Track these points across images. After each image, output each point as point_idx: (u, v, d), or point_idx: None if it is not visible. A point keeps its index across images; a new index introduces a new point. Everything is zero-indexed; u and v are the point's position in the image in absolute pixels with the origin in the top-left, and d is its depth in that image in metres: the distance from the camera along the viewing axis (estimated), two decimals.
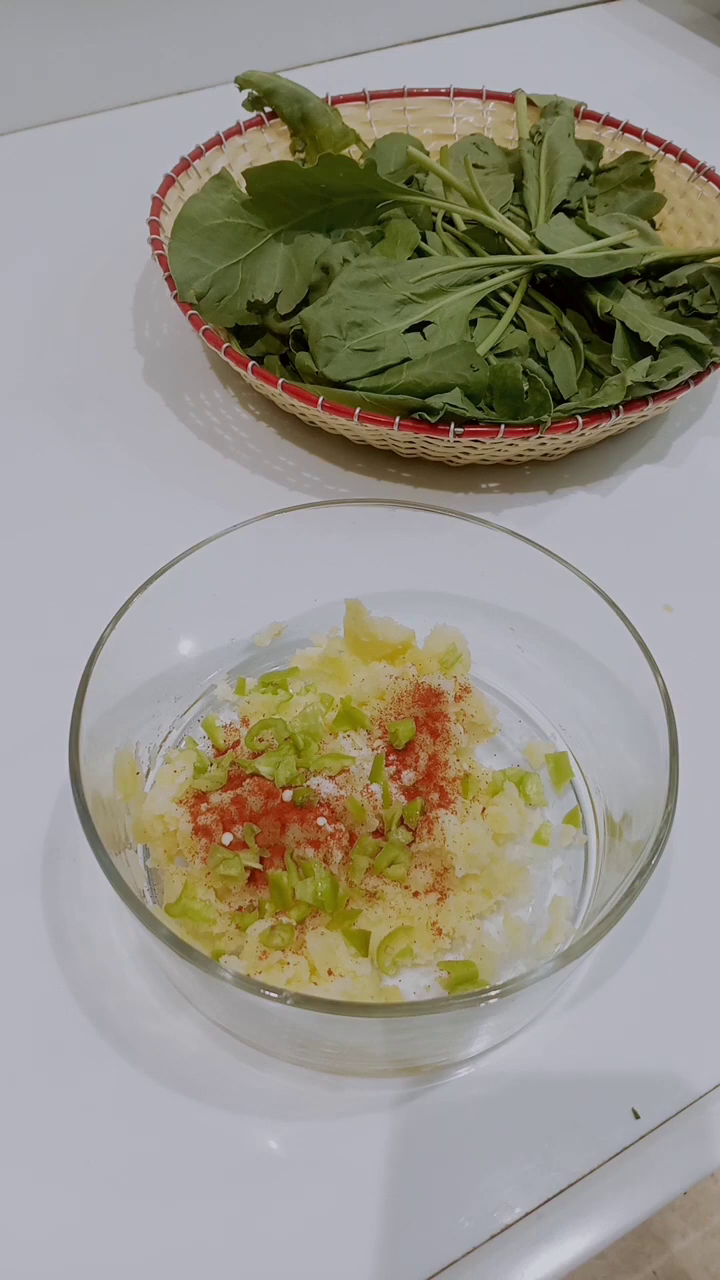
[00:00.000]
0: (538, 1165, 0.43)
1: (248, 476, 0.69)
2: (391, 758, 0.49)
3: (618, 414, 0.63)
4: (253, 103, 0.80)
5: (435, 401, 0.62)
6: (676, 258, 0.74)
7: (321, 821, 0.46)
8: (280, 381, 0.63)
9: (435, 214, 0.75)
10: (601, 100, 0.85)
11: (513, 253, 0.72)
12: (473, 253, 0.74)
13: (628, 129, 0.84)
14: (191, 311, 0.66)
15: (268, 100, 0.80)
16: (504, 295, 0.70)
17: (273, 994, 0.37)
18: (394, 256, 0.70)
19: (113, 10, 0.94)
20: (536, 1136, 0.44)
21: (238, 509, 0.53)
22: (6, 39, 0.92)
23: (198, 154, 0.77)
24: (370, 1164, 0.43)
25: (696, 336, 0.66)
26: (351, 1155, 0.43)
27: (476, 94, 0.86)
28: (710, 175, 0.79)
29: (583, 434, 0.63)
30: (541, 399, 0.63)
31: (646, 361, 0.65)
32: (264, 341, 0.71)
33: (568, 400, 0.66)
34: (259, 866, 0.46)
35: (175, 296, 0.67)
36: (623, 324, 0.68)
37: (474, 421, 0.62)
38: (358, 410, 0.61)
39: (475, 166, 0.80)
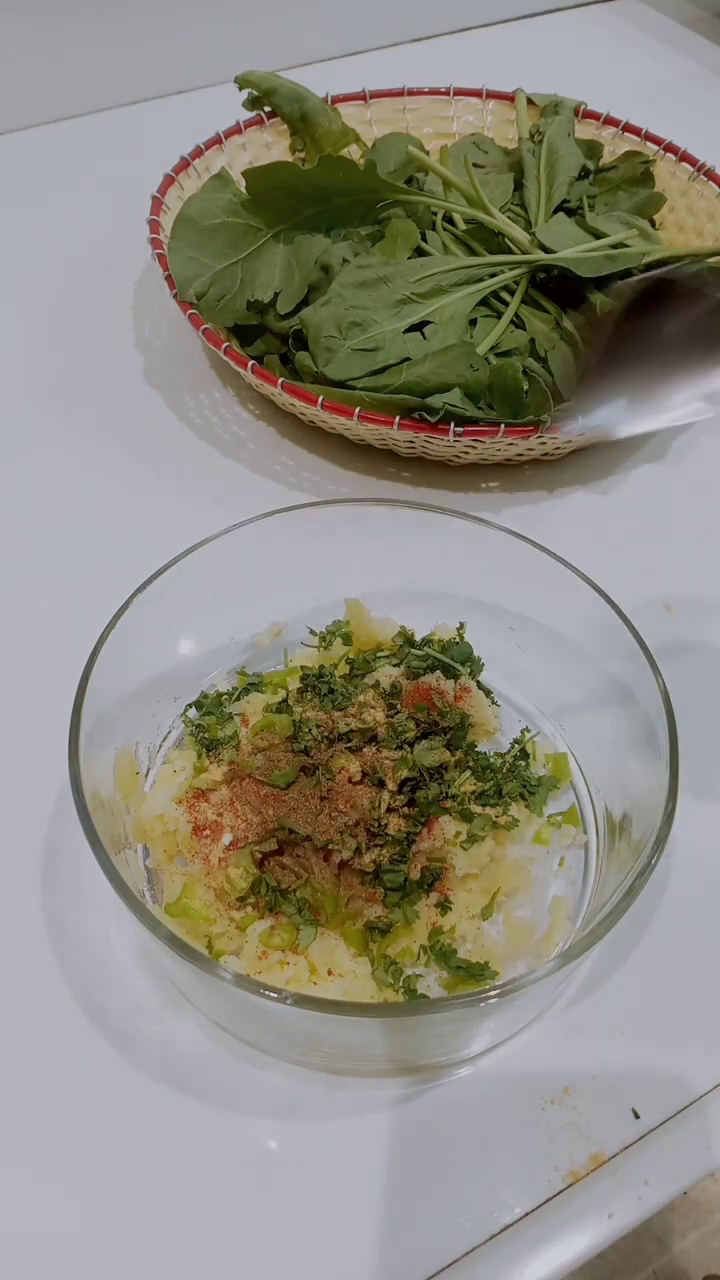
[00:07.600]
0: (538, 1165, 0.43)
1: (247, 476, 0.69)
2: None
3: None
4: (252, 102, 0.80)
5: (435, 401, 0.62)
6: (676, 257, 0.74)
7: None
8: (280, 381, 0.63)
9: (435, 213, 0.75)
10: (601, 100, 0.85)
11: (513, 252, 0.72)
12: (473, 252, 0.74)
13: (627, 128, 0.83)
14: (191, 311, 0.66)
15: (267, 100, 0.80)
16: (504, 295, 0.70)
17: (273, 994, 0.37)
18: (394, 256, 0.70)
19: (113, 10, 0.94)
20: (536, 1136, 0.44)
21: (238, 509, 0.53)
22: (8, 39, 0.92)
23: (197, 153, 0.77)
24: (370, 1164, 0.43)
25: None
26: (351, 1155, 0.43)
27: (476, 93, 0.86)
28: (710, 174, 0.79)
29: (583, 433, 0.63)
30: (541, 398, 0.63)
31: None
32: (264, 341, 0.71)
33: (568, 400, 0.66)
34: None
35: (175, 296, 0.67)
36: None
37: (474, 421, 0.62)
38: (358, 410, 0.61)
39: (475, 166, 0.80)
